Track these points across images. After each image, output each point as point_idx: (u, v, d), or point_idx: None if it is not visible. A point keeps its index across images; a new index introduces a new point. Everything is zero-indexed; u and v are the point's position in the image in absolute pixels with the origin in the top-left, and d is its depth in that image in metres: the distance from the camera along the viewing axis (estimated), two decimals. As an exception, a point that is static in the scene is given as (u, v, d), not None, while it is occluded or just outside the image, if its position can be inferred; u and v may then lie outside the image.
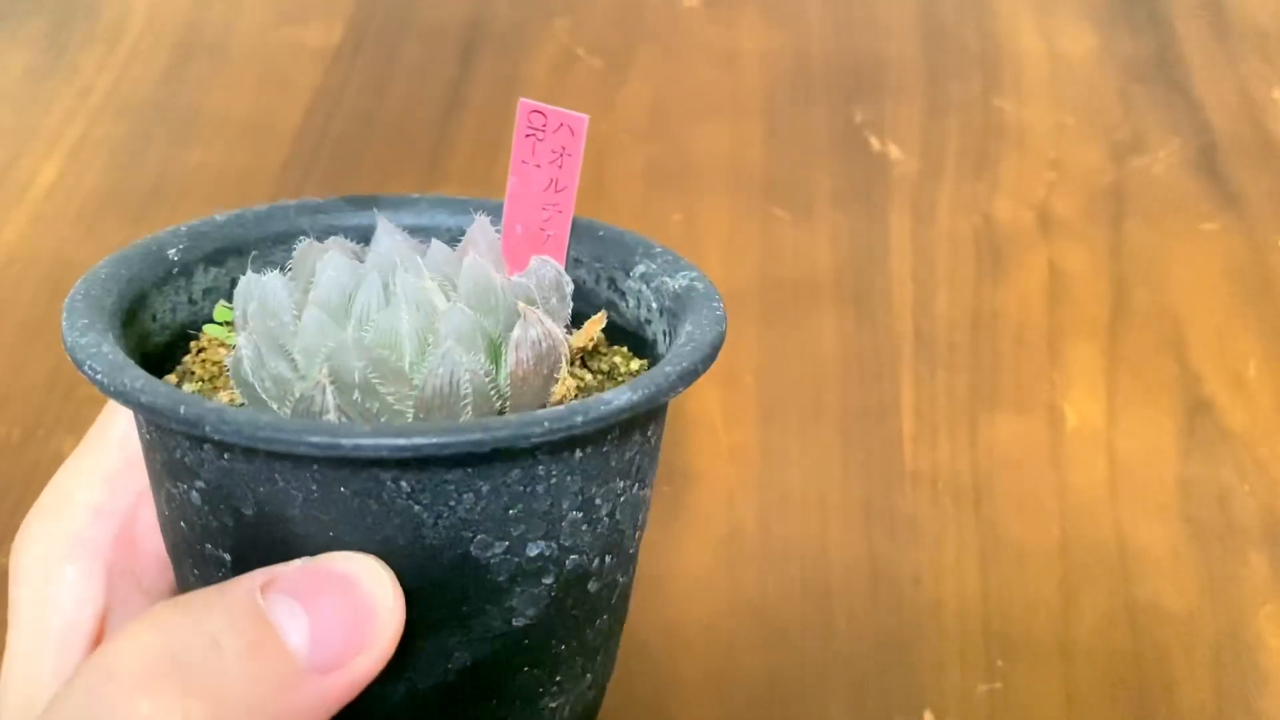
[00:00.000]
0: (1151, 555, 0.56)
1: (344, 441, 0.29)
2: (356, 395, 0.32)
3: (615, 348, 0.38)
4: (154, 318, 0.37)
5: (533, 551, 0.32)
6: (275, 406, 0.32)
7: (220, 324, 0.37)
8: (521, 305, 0.34)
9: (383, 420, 0.32)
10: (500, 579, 0.32)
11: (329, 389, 0.31)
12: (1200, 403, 0.62)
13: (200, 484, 0.32)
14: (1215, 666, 0.52)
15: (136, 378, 0.31)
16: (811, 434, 0.61)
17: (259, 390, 0.32)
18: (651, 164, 0.75)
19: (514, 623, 0.33)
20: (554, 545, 0.32)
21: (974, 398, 0.62)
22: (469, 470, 0.31)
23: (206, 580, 0.33)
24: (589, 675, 0.36)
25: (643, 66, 0.83)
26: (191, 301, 0.38)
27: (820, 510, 0.57)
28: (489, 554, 0.32)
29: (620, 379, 0.37)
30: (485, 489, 0.31)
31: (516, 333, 0.33)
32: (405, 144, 0.77)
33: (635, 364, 0.37)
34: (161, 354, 0.37)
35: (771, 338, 0.65)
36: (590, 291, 0.39)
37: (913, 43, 0.85)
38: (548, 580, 0.33)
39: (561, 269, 0.36)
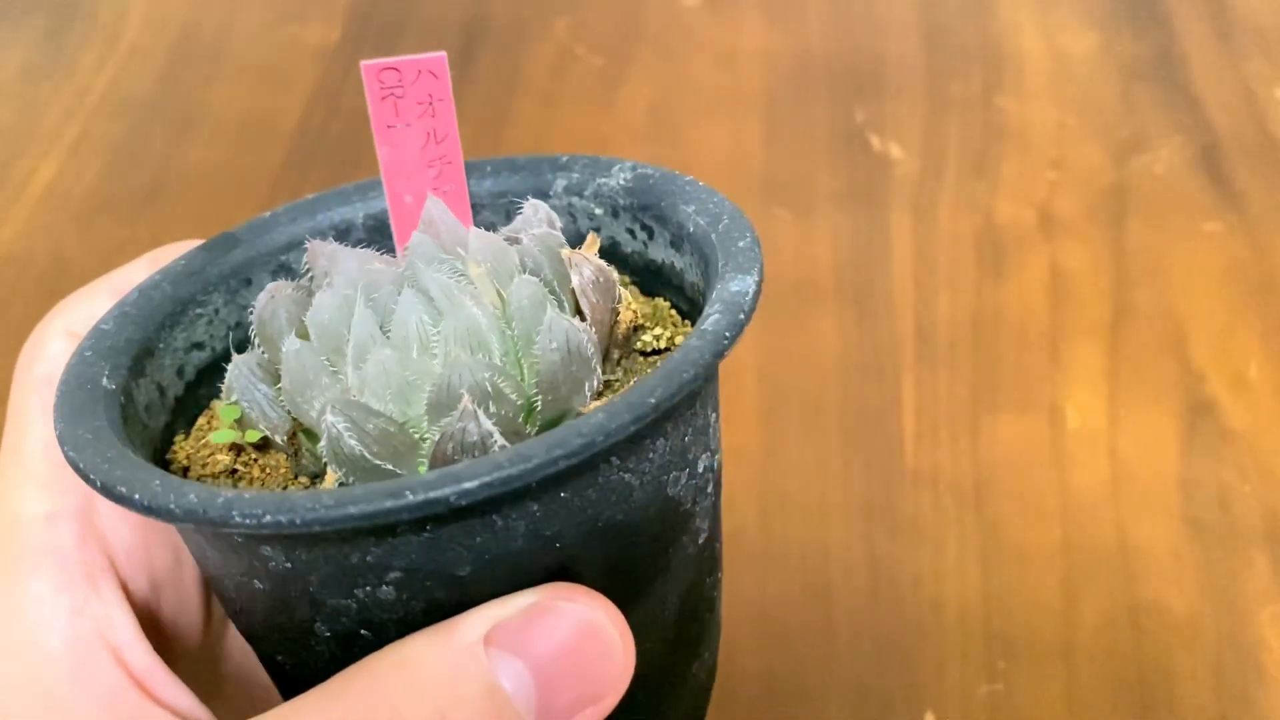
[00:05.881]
0: (1153, 556, 0.55)
1: (598, 439, 0.28)
2: (491, 407, 0.30)
3: None
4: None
5: (701, 466, 0.32)
6: (389, 467, 0.30)
7: (229, 426, 0.33)
8: (565, 252, 0.33)
9: (519, 420, 0.30)
10: (687, 505, 0.32)
11: (479, 413, 0.29)
12: (1202, 403, 0.62)
13: (394, 574, 0.29)
14: (1217, 667, 0.52)
15: (317, 498, 0.27)
16: (812, 434, 0.60)
17: (368, 457, 0.30)
18: (652, 163, 0.75)
19: (699, 541, 0.33)
20: (709, 453, 0.33)
21: (975, 398, 0.62)
22: (658, 418, 0.30)
23: None
24: (722, 558, 0.36)
25: (643, 66, 0.83)
26: (145, 427, 0.34)
27: (821, 510, 0.57)
28: (679, 488, 0.32)
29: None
30: (669, 428, 0.31)
31: (576, 280, 0.32)
32: (404, 143, 0.77)
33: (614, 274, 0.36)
34: None
35: (772, 338, 0.65)
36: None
37: (913, 42, 0.84)
38: (711, 489, 0.33)
39: (547, 207, 0.35)
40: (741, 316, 0.30)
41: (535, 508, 0.29)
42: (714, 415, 0.33)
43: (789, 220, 0.72)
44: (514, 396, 0.30)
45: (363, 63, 0.33)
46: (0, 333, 0.65)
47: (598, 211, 0.37)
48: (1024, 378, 0.63)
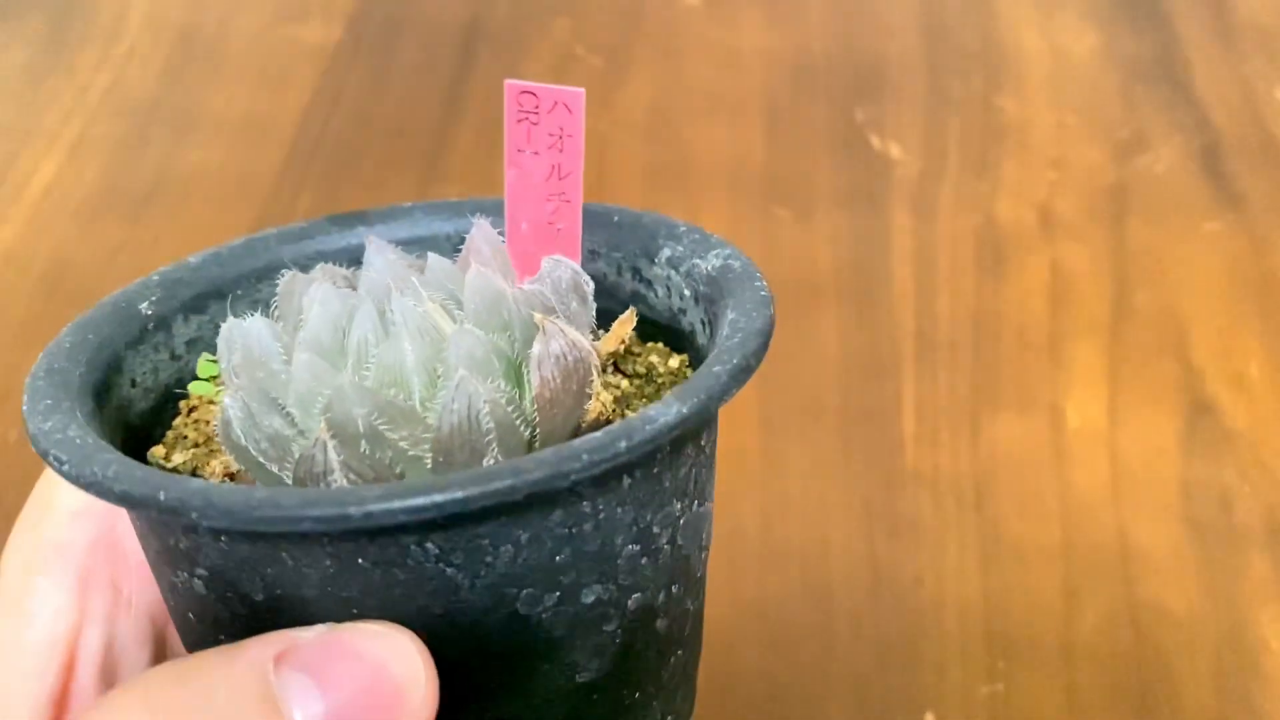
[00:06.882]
0: (1153, 556, 0.55)
1: (352, 511, 0.25)
2: (363, 446, 0.28)
3: (650, 344, 0.35)
4: (133, 383, 0.33)
5: (588, 598, 0.29)
6: (274, 469, 0.29)
7: (207, 379, 0.34)
8: (538, 317, 0.30)
9: (397, 471, 0.28)
10: (556, 634, 0.29)
11: (329, 445, 0.27)
12: (1202, 403, 0.62)
13: (201, 571, 0.29)
14: (1217, 668, 0.52)
15: (108, 463, 0.27)
16: (812, 434, 0.60)
17: (254, 453, 0.29)
18: (652, 163, 0.75)
19: (578, 679, 0.30)
20: (611, 587, 0.29)
21: (975, 398, 0.62)
22: (503, 520, 0.27)
23: None
24: (669, 719, 0.33)
25: (643, 65, 0.83)
26: (174, 357, 0.34)
27: (821, 511, 0.57)
28: (539, 609, 0.28)
29: (660, 380, 0.33)
30: (524, 538, 0.27)
31: (537, 349, 0.29)
32: (404, 143, 0.77)
33: (675, 360, 0.34)
34: (149, 421, 0.33)
35: (772, 337, 0.65)
36: (613, 285, 0.35)
37: (914, 42, 0.84)
38: (610, 626, 0.29)
39: (578, 268, 0.32)
40: (621, 445, 0.26)
41: (328, 563, 0.27)
42: (634, 547, 0.29)
43: (789, 220, 0.72)
44: (405, 445, 0.28)
45: (507, 81, 0.32)
46: (1, 332, 0.65)
47: (686, 293, 0.34)
48: (1024, 378, 0.63)
